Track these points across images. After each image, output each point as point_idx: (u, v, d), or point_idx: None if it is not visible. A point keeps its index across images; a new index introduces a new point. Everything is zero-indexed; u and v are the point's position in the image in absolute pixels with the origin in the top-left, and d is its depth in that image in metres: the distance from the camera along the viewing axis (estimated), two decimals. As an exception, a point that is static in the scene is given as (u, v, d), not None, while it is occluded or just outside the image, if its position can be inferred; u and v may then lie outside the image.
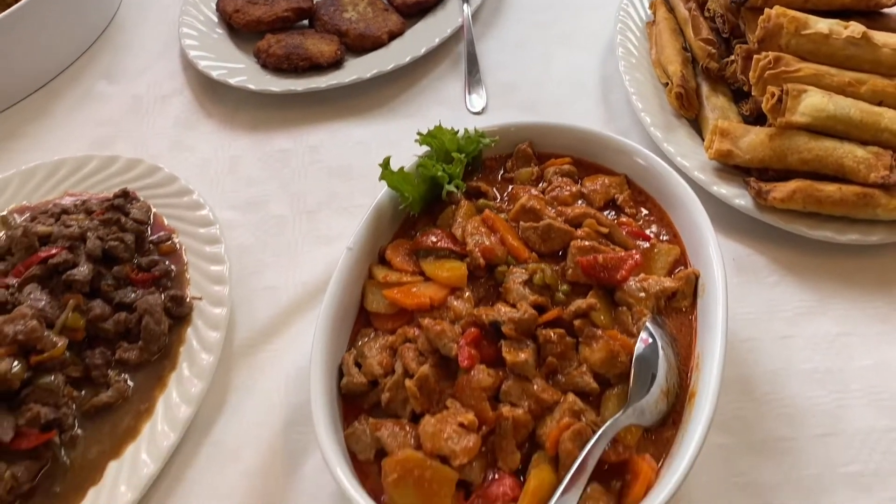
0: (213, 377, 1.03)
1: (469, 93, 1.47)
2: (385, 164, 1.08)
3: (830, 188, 1.14)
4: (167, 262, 1.14)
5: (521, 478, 0.88)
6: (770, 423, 1.01)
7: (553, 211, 1.08)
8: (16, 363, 0.96)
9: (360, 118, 1.43)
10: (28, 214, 1.19)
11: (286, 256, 1.22)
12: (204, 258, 1.15)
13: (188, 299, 1.10)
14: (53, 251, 1.08)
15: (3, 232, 1.13)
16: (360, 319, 1.03)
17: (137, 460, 0.96)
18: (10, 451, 0.94)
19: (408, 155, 1.12)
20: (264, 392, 1.06)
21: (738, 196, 1.19)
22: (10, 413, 0.96)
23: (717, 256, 0.98)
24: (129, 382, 1.03)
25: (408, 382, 0.91)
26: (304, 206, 1.30)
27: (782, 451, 0.99)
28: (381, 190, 1.08)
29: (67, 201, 1.21)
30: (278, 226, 1.27)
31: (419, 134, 1.13)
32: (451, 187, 1.09)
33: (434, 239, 1.06)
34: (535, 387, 0.91)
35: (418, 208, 1.10)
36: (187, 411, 0.99)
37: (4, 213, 1.22)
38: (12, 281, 1.06)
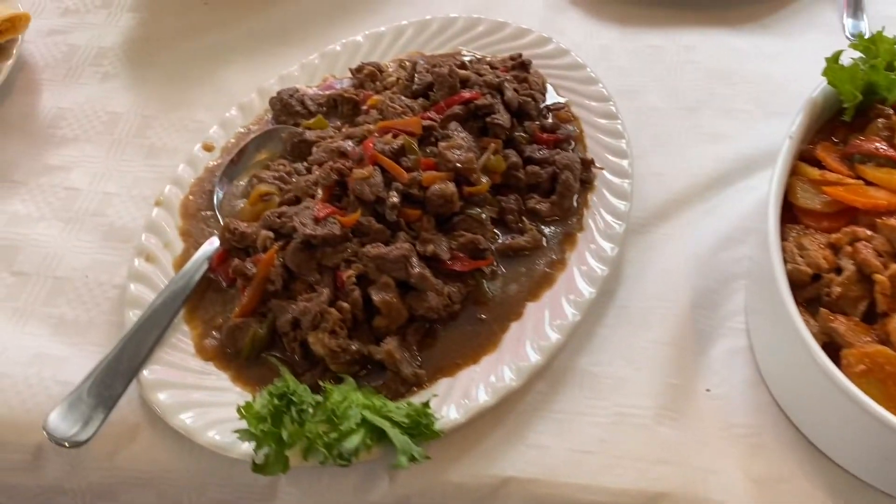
0: (623, 244, 1.01)
1: (848, 17, 1.38)
2: (835, 59, 1.02)
3: None
4: (569, 128, 1.13)
5: None
6: None
7: None
8: (455, 189, 0.98)
9: (733, 28, 1.37)
10: (423, 61, 1.20)
11: (668, 146, 1.19)
12: (601, 131, 1.13)
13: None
14: (473, 94, 1.08)
15: (414, 67, 1.15)
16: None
17: (559, 306, 0.95)
18: (442, 272, 0.96)
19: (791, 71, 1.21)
20: (662, 270, 1.04)
21: None
22: (444, 236, 0.98)
23: None
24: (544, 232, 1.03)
25: (877, 277, 0.86)
26: (682, 102, 1.26)
27: None
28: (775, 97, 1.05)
29: (466, 56, 1.22)
30: (656, 117, 1.23)
31: (857, 37, 1.07)
32: (897, 97, 1.02)
33: (878, 146, 0.99)
34: None
35: (852, 114, 1.04)
36: (603, 270, 0.98)
37: (402, 56, 1.24)
38: (433, 115, 1.07)
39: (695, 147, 1.19)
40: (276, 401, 0.79)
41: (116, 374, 0.88)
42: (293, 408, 0.79)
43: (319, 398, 0.80)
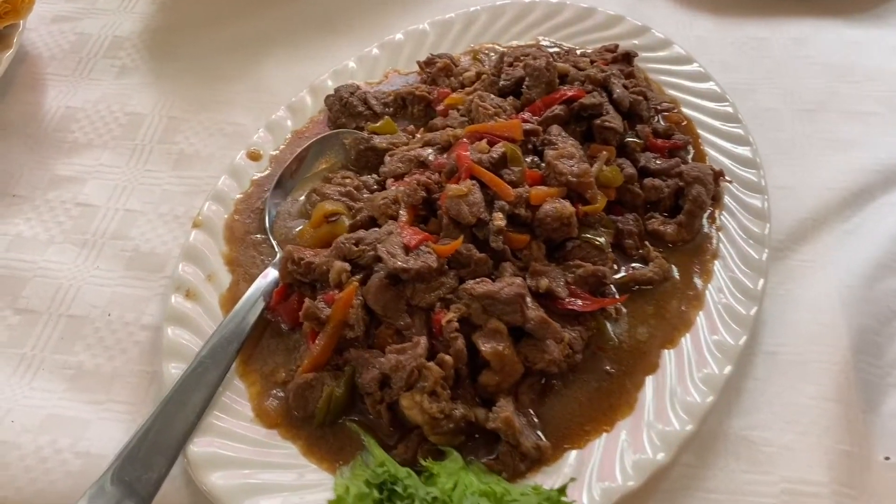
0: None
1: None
2: None
3: None
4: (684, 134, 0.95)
5: None
6: None
7: None
8: (570, 209, 0.79)
9: (846, 18, 1.20)
10: (502, 53, 1.01)
11: (792, 154, 1.01)
12: (720, 136, 0.96)
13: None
14: (577, 92, 0.90)
15: (502, 59, 0.96)
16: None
17: (702, 356, 0.77)
18: (556, 312, 0.77)
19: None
20: (808, 306, 0.86)
21: None
22: (558, 266, 0.79)
23: None
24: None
25: None
26: (799, 102, 1.08)
27: None
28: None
29: (551, 48, 1.04)
30: (772, 120, 1.06)
31: None
32: None
33: None
34: None
35: None
36: (751, 309, 0.80)
37: (475, 47, 1.06)
38: (528, 116, 0.89)
39: (823, 155, 1.02)
40: (375, 493, 0.60)
41: (154, 450, 0.69)
42: (397, 501, 0.60)
43: (433, 490, 0.61)
